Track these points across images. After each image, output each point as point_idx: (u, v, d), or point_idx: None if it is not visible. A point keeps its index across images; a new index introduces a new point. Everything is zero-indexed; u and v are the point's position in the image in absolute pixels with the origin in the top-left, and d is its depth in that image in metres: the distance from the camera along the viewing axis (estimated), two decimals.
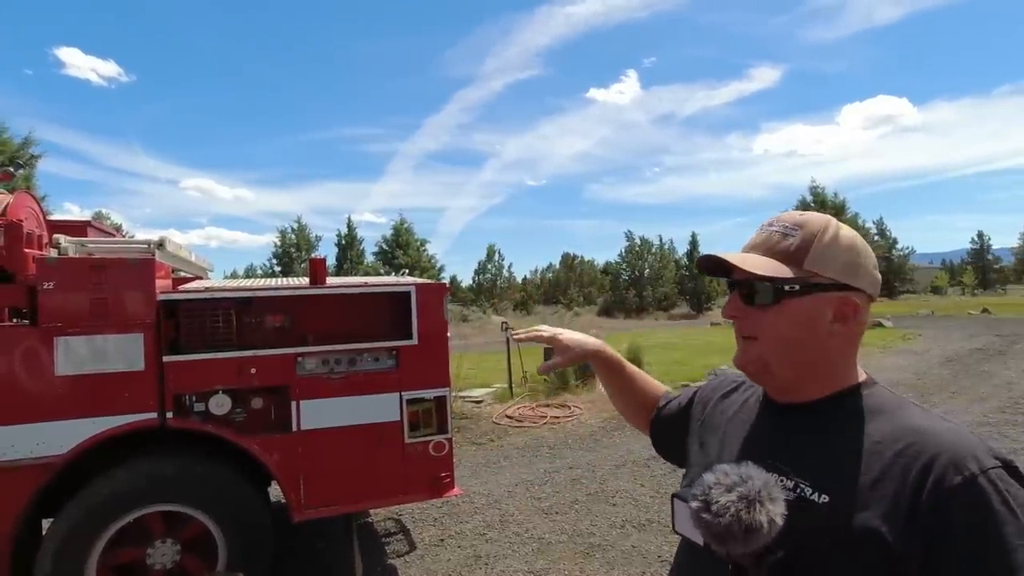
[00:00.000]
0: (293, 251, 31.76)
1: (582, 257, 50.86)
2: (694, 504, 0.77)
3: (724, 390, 1.11)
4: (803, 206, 30.33)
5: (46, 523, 2.98)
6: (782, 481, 0.83)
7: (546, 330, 1.38)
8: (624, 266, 45.45)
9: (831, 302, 0.87)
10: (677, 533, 0.88)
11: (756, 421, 0.98)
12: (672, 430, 1.19)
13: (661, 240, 45.91)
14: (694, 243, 44.66)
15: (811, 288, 0.87)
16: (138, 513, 2.93)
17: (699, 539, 0.80)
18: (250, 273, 34.70)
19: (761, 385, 0.98)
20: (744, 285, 0.91)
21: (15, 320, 3.24)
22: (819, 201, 29.38)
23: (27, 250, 2.78)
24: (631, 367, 1.34)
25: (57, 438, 2.76)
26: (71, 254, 2.92)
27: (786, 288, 0.88)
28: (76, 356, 2.78)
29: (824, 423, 0.88)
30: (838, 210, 26.85)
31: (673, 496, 0.86)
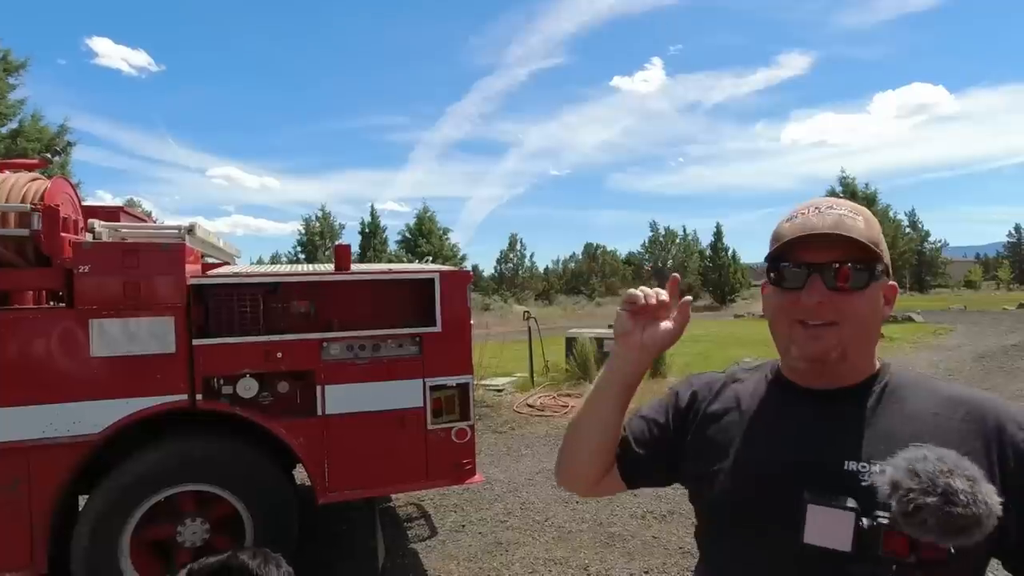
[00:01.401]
0: (317, 239, 32.18)
1: (605, 247, 50.70)
2: (930, 500, 0.68)
3: (715, 388, 1.04)
4: (832, 197, 29.62)
5: (83, 500, 3.08)
6: (867, 467, 0.82)
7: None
8: (647, 256, 45.13)
9: (885, 286, 0.91)
10: (808, 545, 0.78)
11: (792, 411, 0.94)
12: (654, 451, 1.06)
13: (685, 231, 45.56)
14: (718, 234, 44.11)
15: (886, 272, 0.90)
16: (169, 492, 3.00)
17: (847, 546, 0.75)
18: (275, 260, 35.23)
19: (822, 374, 0.91)
20: (828, 268, 0.86)
21: (52, 303, 3.34)
22: (849, 192, 28.72)
23: (64, 234, 2.85)
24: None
25: (93, 418, 2.83)
26: (105, 239, 2.99)
27: (877, 271, 0.88)
28: (110, 338, 2.85)
29: (874, 404, 0.89)
30: (869, 201, 26.23)
31: (809, 503, 0.78)
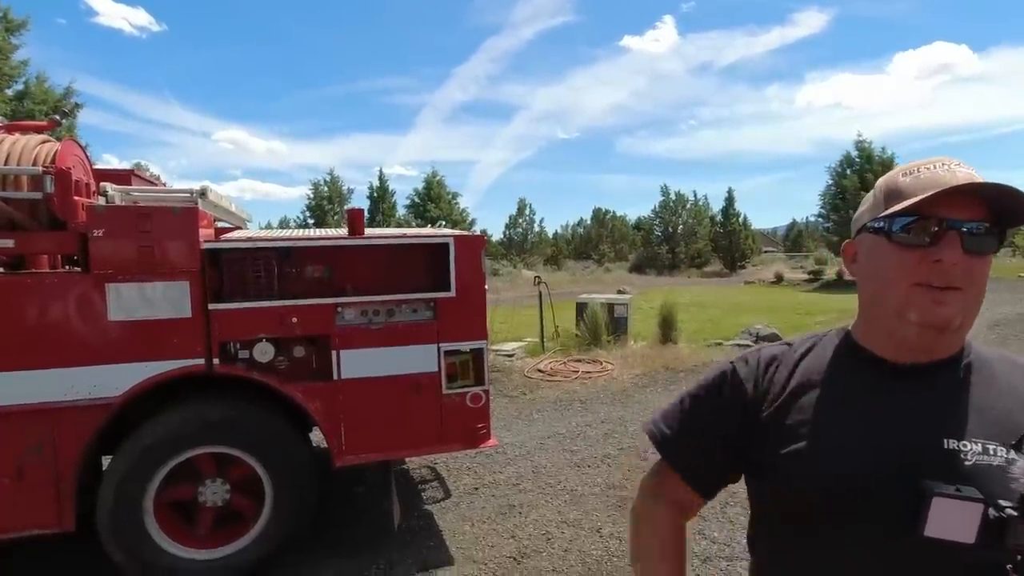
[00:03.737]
0: (326, 203, 32.05)
1: (614, 212, 50.31)
2: None
3: (776, 366, 0.95)
4: (847, 162, 28.99)
5: (107, 461, 3.13)
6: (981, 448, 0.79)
7: None
8: (657, 222, 44.75)
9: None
10: (929, 539, 0.74)
11: (882, 388, 0.87)
12: (718, 461, 0.99)
13: (695, 196, 45.00)
14: (730, 199, 43.67)
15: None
16: (189, 454, 3.04)
17: (970, 538, 0.72)
18: (284, 225, 35.20)
19: (927, 345, 0.84)
20: (969, 227, 0.80)
21: (67, 267, 3.34)
22: (865, 156, 28.05)
23: (76, 198, 2.82)
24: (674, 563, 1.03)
25: (112, 381, 2.86)
26: (118, 202, 2.96)
27: (1004, 237, 0.83)
28: (126, 302, 2.86)
29: (964, 379, 0.86)
30: (885, 166, 25.66)
31: (935, 495, 0.74)
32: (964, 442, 0.79)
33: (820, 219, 32.17)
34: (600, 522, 3.84)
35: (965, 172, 0.82)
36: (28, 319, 2.76)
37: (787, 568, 0.90)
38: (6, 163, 2.72)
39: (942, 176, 0.82)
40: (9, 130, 3.00)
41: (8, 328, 2.72)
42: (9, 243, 2.73)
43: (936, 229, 0.80)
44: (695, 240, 42.58)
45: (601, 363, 8.22)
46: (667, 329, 9.46)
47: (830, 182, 29.78)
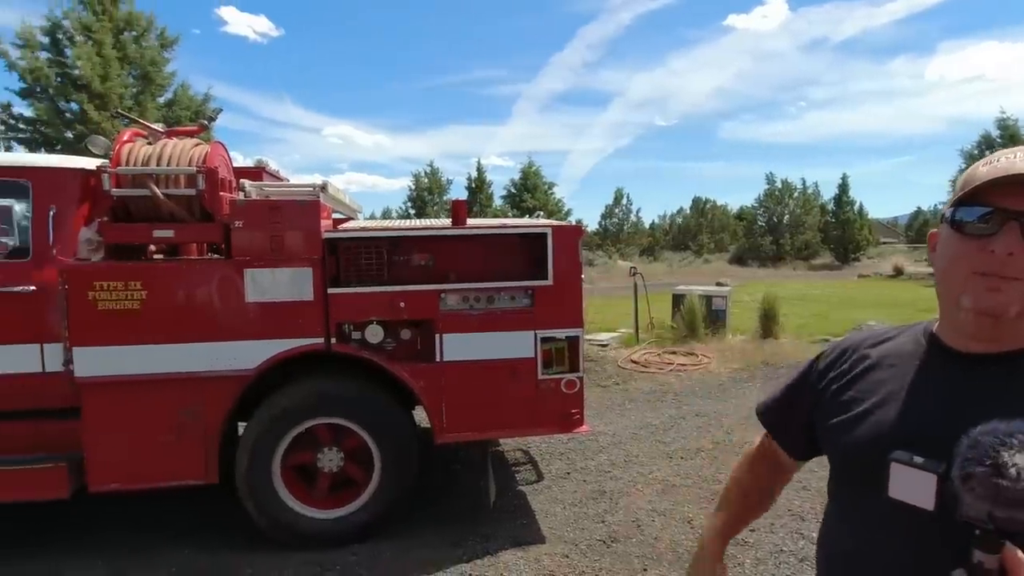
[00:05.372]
0: (426, 195, 33.20)
1: (714, 201, 48.32)
2: (979, 469, 0.70)
3: (864, 345, 1.02)
4: (986, 142, 25.98)
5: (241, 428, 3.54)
6: None
7: None
8: (761, 211, 42.52)
9: None
10: (892, 499, 0.82)
11: (934, 373, 0.90)
12: (793, 412, 1.11)
13: (805, 183, 42.27)
14: (844, 186, 40.55)
15: None
16: (310, 423, 3.38)
17: (929, 505, 0.77)
18: (387, 216, 36.87)
19: (987, 334, 0.85)
20: None
21: (210, 255, 3.79)
22: (1008, 135, 25.01)
23: (222, 193, 3.21)
24: (735, 506, 1.25)
25: (249, 355, 3.23)
26: (254, 197, 3.32)
27: None
28: (260, 286, 3.22)
29: (1021, 372, 0.84)
30: None
31: (891, 459, 0.82)
32: None
33: None
34: (692, 513, 3.83)
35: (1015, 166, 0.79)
36: (183, 299, 3.18)
37: (826, 520, 1.04)
38: (168, 164, 3.15)
39: (1016, 164, 0.80)
40: (169, 135, 3.46)
41: (168, 307, 3.16)
42: (170, 233, 3.17)
43: (999, 218, 0.80)
44: (802, 230, 40.06)
45: (697, 356, 8.06)
46: (768, 323, 9.09)
47: (964, 165, 26.83)
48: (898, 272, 26.03)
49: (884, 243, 44.08)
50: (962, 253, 0.84)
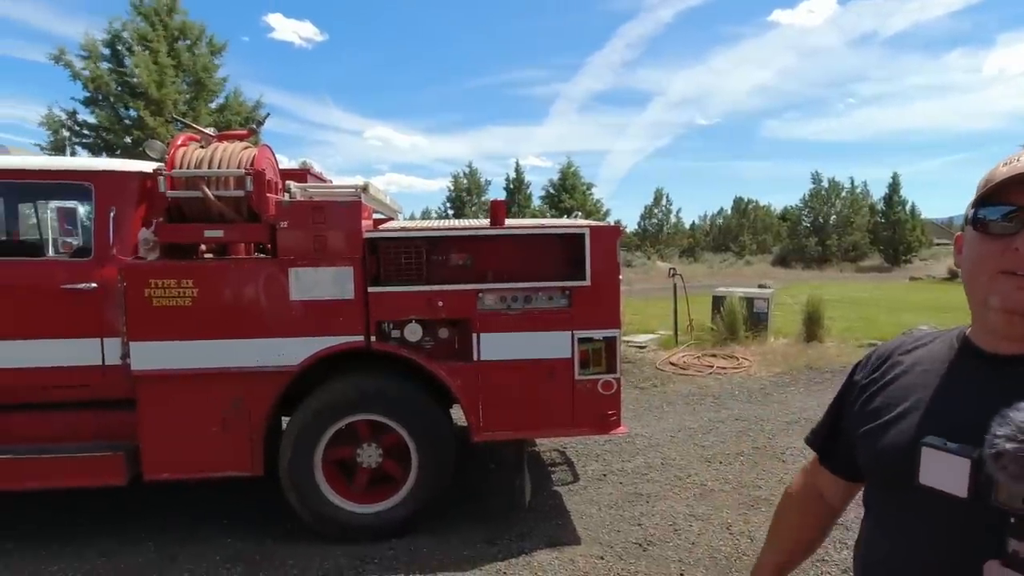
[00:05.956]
0: (465, 195, 33.48)
1: (756, 202, 47.18)
2: (1011, 446, 0.69)
3: (900, 351, 1.01)
4: None
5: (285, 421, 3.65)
6: None
7: None
8: (806, 211, 41.33)
9: None
10: (924, 487, 0.81)
11: (964, 375, 0.89)
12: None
13: (853, 182, 40.89)
14: (894, 185, 39.02)
15: None
16: (350, 419, 3.46)
17: (962, 492, 0.76)
18: (426, 216, 37.34)
19: (1018, 332, 0.84)
20: None
21: (257, 254, 3.92)
22: None
23: (268, 195, 3.32)
24: (788, 543, 1.22)
25: (293, 351, 3.33)
26: (299, 198, 3.43)
27: None
28: (304, 284, 3.31)
29: None
30: None
31: (923, 444, 0.81)
32: None
33: None
34: (731, 519, 3.77)
35: None
36: (231, 297, 3.30)
37: (862, 530, 1.02)
38: (218, 167, 3.27)
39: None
40: (220, 139, 3.60)
41: (216, 304, 3.28)
42: (219, 233, 3.30)
43: (1020, 216, 0.80)
44: (850, 231, 38.77)
45: (737, 359, 7.90)
46: (812, 326, 8.84)
47: None
48: (953, 275, 24.91)
49: (938, 244, 42.18)
50: (987, 253, 0.84)
